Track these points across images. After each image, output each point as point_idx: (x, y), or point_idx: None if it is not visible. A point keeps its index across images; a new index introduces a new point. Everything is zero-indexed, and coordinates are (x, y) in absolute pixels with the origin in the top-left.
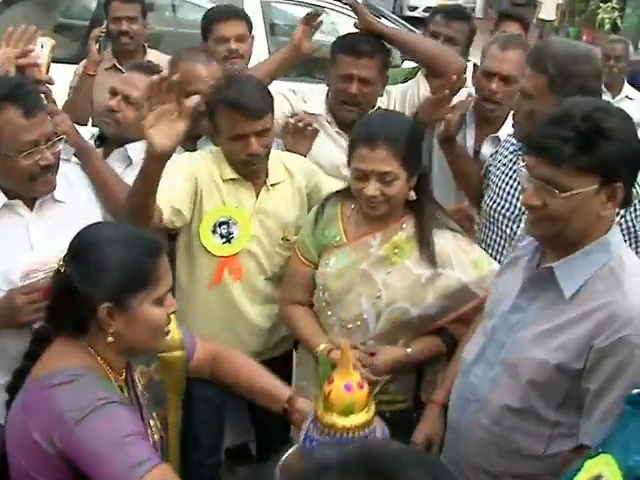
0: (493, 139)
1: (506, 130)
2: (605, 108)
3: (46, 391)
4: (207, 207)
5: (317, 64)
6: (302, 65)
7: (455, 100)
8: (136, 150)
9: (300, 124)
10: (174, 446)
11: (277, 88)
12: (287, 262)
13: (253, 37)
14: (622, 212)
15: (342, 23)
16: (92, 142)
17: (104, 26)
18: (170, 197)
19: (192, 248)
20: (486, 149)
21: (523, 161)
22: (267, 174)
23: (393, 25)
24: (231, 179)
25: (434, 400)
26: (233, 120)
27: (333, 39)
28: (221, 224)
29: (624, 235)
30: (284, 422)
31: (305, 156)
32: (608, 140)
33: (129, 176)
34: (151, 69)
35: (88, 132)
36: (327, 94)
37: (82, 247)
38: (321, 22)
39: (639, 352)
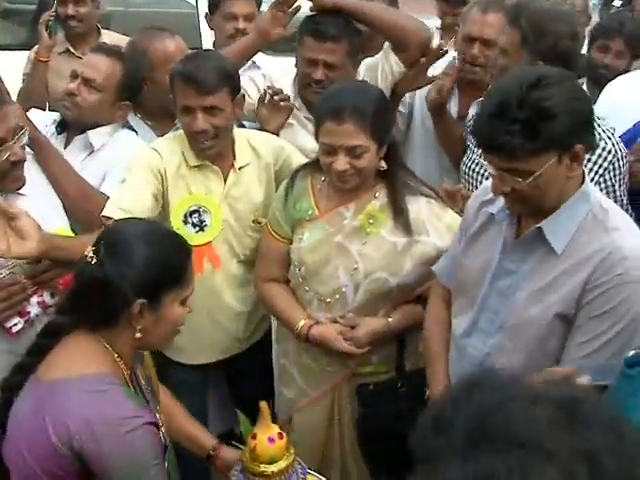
0: (479, 103)
1: None
2: (539, 82)
3: (74, 395)
4: (173, 199)
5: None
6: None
7: (443, 65)
8: (98, 136)
9: (276, 97)
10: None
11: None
12: (258, 244)
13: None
14: (601, 172)
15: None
16: (53, 128)
17: (53, 10)
18: (129, 206)
19: None
20: (472, 113)
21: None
22: (234, 156)
23: None
24: (197, 166)
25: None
26: (183, 92)
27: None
28: (192, 213)
29: (604, 194)
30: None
31: (277, 132)
32: (552, 118)
33: (90, 166)
34: (113, 51)
35: (49, 117)
36: (295, 77)
37: (120, 241)
38: (299, 6)
39: (629, 291)
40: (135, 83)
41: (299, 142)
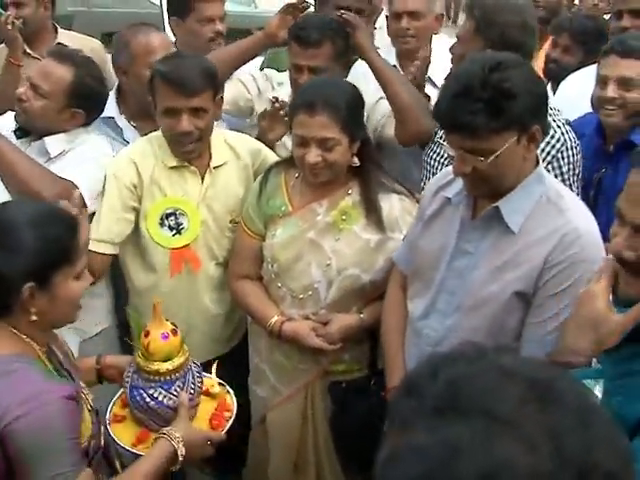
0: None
1: (434, 69)
2: (499, 65)
3: None
4: (148, 203)
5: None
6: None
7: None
8: (55, 143)
9: (282, 112)
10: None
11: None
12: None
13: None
14: (549, 159)
15: None
16: (12, 134)
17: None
18: (110, 239)
19: (143, 245)
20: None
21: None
22: (210, 156)
23: None
24: (174, 167)
25: (394, 386)
26: (166, 93)
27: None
28: (168, 216)
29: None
30: (247, 414)
31: (273, 144)
32: (513, 98)
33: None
34: (65, 56)
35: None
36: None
37: (1, 230)
38: (305, 9)
39: (584, 268)
40: (90, 89)
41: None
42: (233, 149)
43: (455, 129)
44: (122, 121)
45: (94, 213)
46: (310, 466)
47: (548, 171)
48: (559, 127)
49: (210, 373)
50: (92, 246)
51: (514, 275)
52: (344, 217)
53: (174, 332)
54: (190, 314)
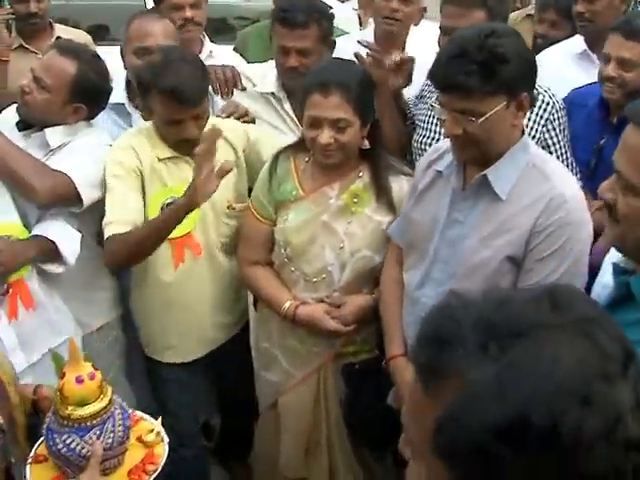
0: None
1: (410, 48)
2: (494, 33)
3: None
4: (150, 193)
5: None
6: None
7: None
8: (56, 135)
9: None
10: (23, 446)
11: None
12: (235, 232)
13: (207, 1)
14: (543, 122)
15: None
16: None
17: (9, 7)
18: (132, 218)
19: None
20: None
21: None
22: None
23: None
24: (168, 158)
25: (394, 355)
26: (169, 107)
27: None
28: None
29: (550, 144)
30: (252, 400)
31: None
32: (505, 62)
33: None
34: (69, 50)
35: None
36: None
37: None
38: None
39: (570, 232)
40: (93, 84)
41: (275, 141)
42: (224, 137)
43: (449, 89)
44: (131, 107)
45: (92, 205)
46: (322, 448)
47: (543, 133)
48: (546, 91)
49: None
50: (114, 229)
51: (504, 240)
52: (356, 200)
53: (91, 376)
54: (198, 302)
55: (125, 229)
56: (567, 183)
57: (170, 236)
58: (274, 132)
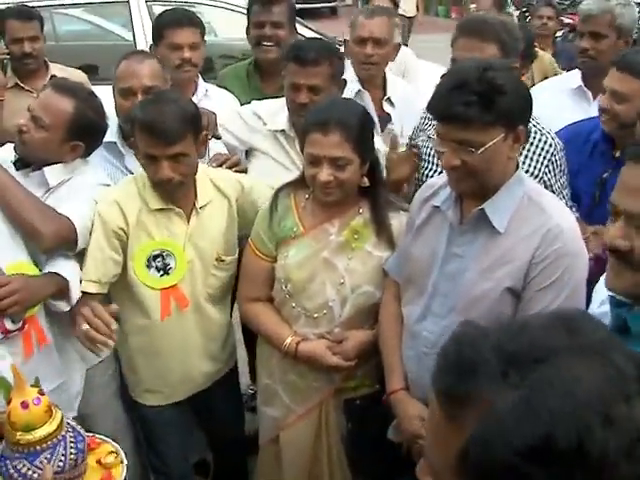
0: (387, 101)
1: (394, 90)
2: (492, 66)
3: None
4: (134, 246)
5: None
6: None
7: None
8: (54, 173)
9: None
10: None
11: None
12: (222, 282)
13: (205, 42)
14: (546, 163)
15: (218, 21)
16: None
17: (4, 47)
18: (98, 275)
19: (132, 286)
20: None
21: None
22: (196, 195)
23: None
24: (159, 209)
25: (395, 389)
26: (145, 141)
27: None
28: (155, 257)
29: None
30: (243, 437)
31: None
32: (504, 94)
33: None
34: (66, 88)
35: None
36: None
37: None
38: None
39: (568, 262)
40: (90, 122)
41: (280, 177)
42: (217, 187)
43: (449, 119)
44: (124, 147)
45: (85, 249)
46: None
47: (545, 174)
48: (548, 132)
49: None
50: (82, 286)
51: (504, 272)
52: (356, 236)
53: (37, 401)
54: (184, 352)
55: (89, 289)
56: (563, 214)
57: (157, 286)
58: (279, 170)
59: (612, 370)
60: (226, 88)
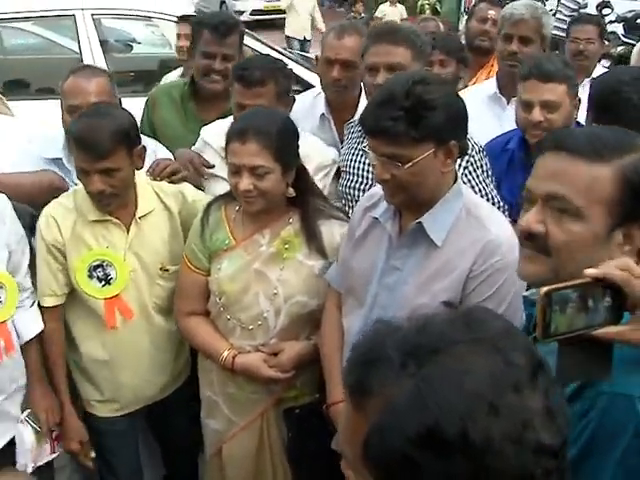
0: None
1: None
2: (423, 80)
3: None
4: (73, 258)
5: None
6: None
7: None
8: None
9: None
10: None
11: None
12: (168, 292)
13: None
14: (471, 169)
15: (173, 33)
16: None
17: None
18: (52, 287)
19: (83, 300)
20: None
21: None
22: (137, 205)
23: None
24: (96, 220)
25: (335, 401)
26: (77, 154)
27: (164, 50)
28: (96, 267)
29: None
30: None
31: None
32: (432, 110)
33: None
34: None
35: None
36: None
37: None
38: None
39: (506, 275)
40: None
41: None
42: (159, 196)
43: (377, 134)
44: (70, 163)
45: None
46: None
47: (470, 181)
48: (471, 138)
49: None
50: (41, 301)
51: (441, 286)
52: (287, 246)
53: None
54: (134, 364)
55: (47, 303)
56: (501, 227)
57: (100, 296)
58: (227, 187)
59: (502, 361)
60: (156, 107)
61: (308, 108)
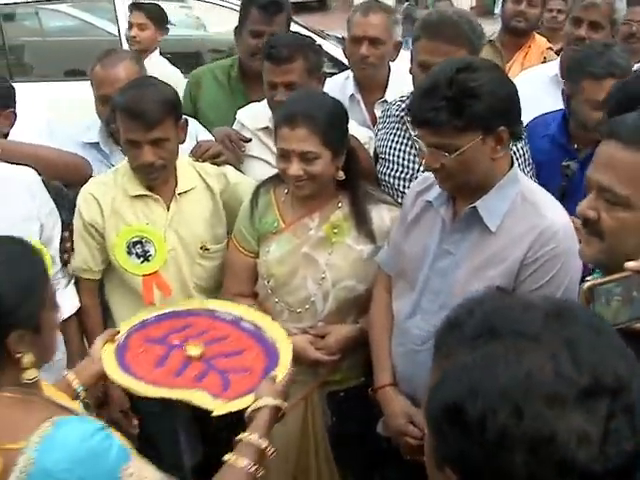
0: (381, 104)
1: (391, 92)
2: (468, 67)
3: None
4: (112, 235)
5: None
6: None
7: None
8: None
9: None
10: None
11: None
12: (209, 272)
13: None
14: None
15: (207, 15)
16: None
17: None
18: (88, 263)
19: (121, 276)
20: (378, 114)
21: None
22: (177, 182)
23: None
24: (138, 195)
25: (383, 384)
26: (126, 125)
27: (201, 32)
28: (135, 244)
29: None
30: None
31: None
32: (477, 97)
33: None
34: None
35: None
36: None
37: None
38: None
39: (562, 262)
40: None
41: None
42: (200, 174)
43: (422, 124)
44: (107, 147)
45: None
46: (311, 476)
47: None
48: None
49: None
50: (77, 273)
51: (495, 272)
52: (336, 230)
53: None
54: None
55: (85, 275)
56: (557, 213)
57: (138, 272)
58: (263, 167)
59: (552, 369)
60: (200, 88)
61: (339, 90)
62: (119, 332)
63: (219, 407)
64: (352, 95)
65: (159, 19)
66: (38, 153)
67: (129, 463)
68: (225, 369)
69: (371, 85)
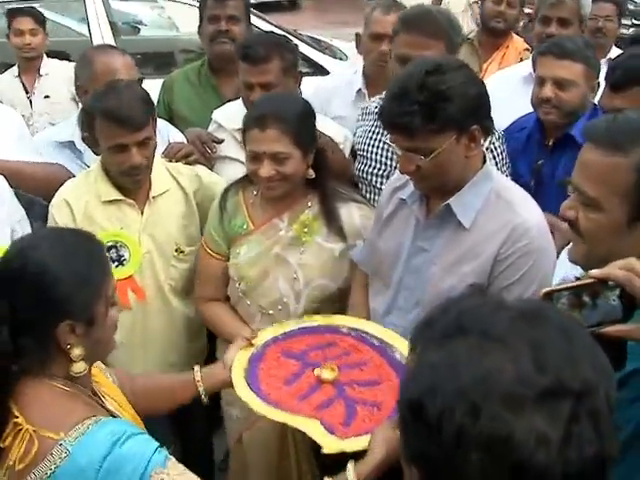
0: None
1: None
2: (437, 69)
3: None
4: None
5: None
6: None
7: None
8: None
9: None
10: None
11: None
12: (183, 274)
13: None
14: (490, 155)
15: (179, 15)
16: None
17: None
18: None
19: None
20: None
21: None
22: (150, 185)
23: None
24: (111, 200)
25: None
26: (112, 131)
27: (172, 33)
28: (109, 249)
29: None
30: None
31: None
32: (449, 100)
33: None
34: None
35: None
36: None
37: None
38: None
39: (534, 259)
40: None
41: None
42: (172, 175)
43: (395, 129)
44: (82, 145)
45: None
46: (292, 476)
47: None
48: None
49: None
50: None
51: (469, 268)
52: (306, 230)
53: None
54: (147, 346)
55: None
56: (531, 211)
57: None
58: (240, 168)
59: (512, 370)
60: (173, 91)
61: (346, 84)
62: (256, 337)
63: (330, 444)
64: (359, 90)
65: (44, 22)
66: (22, 170)
67: (163, 469)
68: (354, 399)
69: (380, 81)
